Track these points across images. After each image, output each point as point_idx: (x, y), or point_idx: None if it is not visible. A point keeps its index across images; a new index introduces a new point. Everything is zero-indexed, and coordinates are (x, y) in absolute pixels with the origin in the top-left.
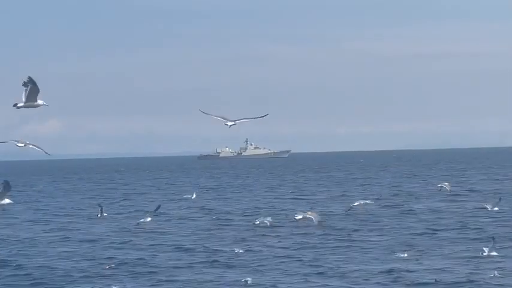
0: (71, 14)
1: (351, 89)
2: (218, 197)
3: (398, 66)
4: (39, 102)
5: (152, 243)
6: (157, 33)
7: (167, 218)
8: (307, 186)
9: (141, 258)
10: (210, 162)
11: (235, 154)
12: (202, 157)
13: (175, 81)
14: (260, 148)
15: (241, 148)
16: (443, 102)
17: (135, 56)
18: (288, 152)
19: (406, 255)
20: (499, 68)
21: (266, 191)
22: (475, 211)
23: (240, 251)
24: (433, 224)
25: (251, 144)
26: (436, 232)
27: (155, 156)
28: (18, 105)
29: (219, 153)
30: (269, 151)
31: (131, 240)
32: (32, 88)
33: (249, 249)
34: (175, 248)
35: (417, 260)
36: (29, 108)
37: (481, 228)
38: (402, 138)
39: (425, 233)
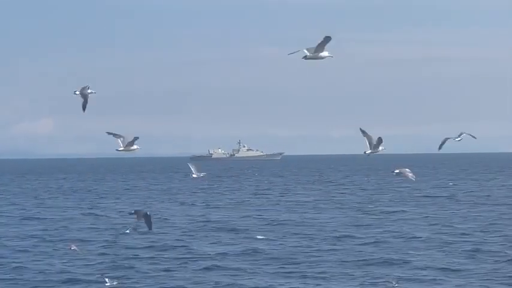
0: (69, 13)
1: (345, 91)
2: None
3: (395, 69)
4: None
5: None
6: (153, 34)
7: None
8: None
9: None
10: (202, 163)
11: (227, 156)
12: (194, 158)
13: (171, 82)
14: (253, 150)
15: (233, 150)
16: (440, 106)
17: (131, 56)
18: (280, 154)
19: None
20: (494, 72)
21: None
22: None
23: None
24: (413, 233)
25: (244, 146)
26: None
27: (150, 157)
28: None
29: (212, 154)
30: (262, 153)
31: None
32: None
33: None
34: None
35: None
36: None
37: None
38: (399, 141)
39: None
